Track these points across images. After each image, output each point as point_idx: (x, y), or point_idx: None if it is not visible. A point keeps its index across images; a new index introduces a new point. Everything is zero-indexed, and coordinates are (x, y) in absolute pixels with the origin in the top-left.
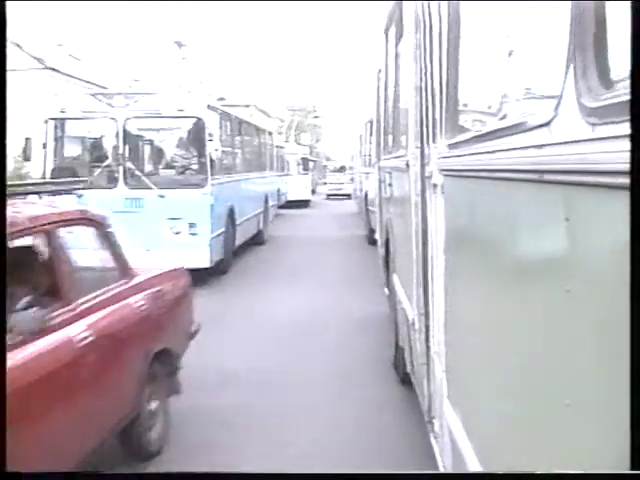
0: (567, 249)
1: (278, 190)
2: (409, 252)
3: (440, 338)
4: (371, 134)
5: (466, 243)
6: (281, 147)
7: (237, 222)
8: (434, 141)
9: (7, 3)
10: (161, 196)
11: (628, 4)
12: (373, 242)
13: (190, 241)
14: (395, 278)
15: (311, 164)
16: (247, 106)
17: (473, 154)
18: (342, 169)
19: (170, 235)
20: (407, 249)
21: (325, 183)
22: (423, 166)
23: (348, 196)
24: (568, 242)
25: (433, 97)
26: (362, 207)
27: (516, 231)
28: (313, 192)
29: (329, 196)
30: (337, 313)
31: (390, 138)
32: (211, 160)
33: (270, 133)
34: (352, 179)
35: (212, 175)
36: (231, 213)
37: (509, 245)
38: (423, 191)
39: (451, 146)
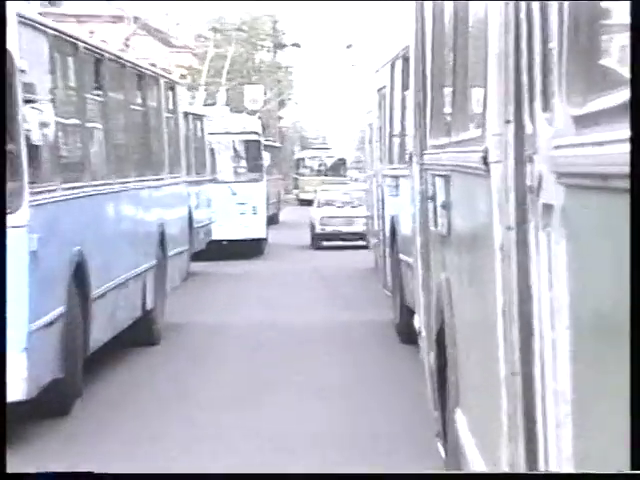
0: None
1: (190, 218)
2: (491, 360)
3: None
4: (404, 88)
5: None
6: (197, 117)
7: (93, 294)
8: (545, 109)
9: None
10: None
11: None
12: (410, 338)
13: None
14: (460, 421)
15: (266, 157)
16: (115, 20)
17: None
18: (339, 166)
19: None
20: (487, 353)
21: (300, 200)
22: (521, 165)
23: (360, 238)
24: None
25: (544, 7)
26: (383, 256)
27: None
28: (272, 222)
29: (317, 240)
30: None
31: (445, 100)
32: (31, 148)
33: (171, 86)
34: (367, 192)
35: (33, 183)
36: (79, 272)
37: None
38: (522, 220)
39: (583, 121)
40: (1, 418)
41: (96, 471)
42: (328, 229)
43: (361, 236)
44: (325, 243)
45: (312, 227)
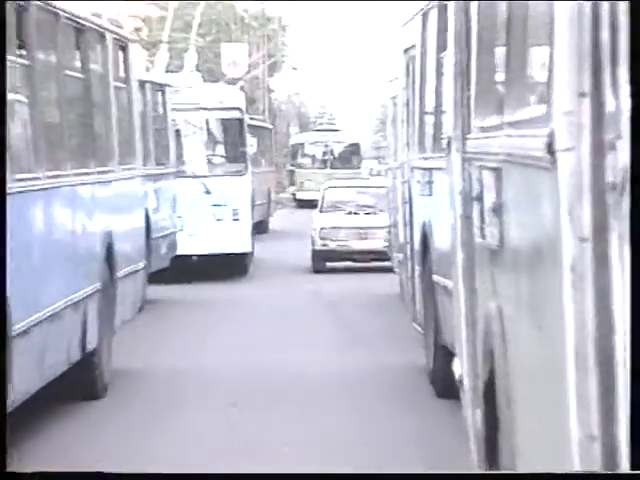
0: None
1: (147, 225)
2: (560, 419)
3: None
4: (440, 48)
5: None
6: (158, 87)
7: (14, 329)
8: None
9: None
10: None
11: None
12: (448, 390)
13: None
14: None
15: (252, 142)
16: None
17: None
18: (351, 155)
19: None
20: (554, 410)
21: (298, 201)
22: (600, 154)
23: (377, 258)
24: None
25: None
26: (411, 277)
27: None
28: (260, 230)
29: (317, 260)
30: None
31: (496, 65)
32: None
33: (122, 45)
34: (389, 191)
35: None
36: None
37: None
38: (601, 229)
39: None
40: (1, 418)
41: None
42: (332, 245)
43: (380, 256)
44: (329, 264)
45: (312, 241)
